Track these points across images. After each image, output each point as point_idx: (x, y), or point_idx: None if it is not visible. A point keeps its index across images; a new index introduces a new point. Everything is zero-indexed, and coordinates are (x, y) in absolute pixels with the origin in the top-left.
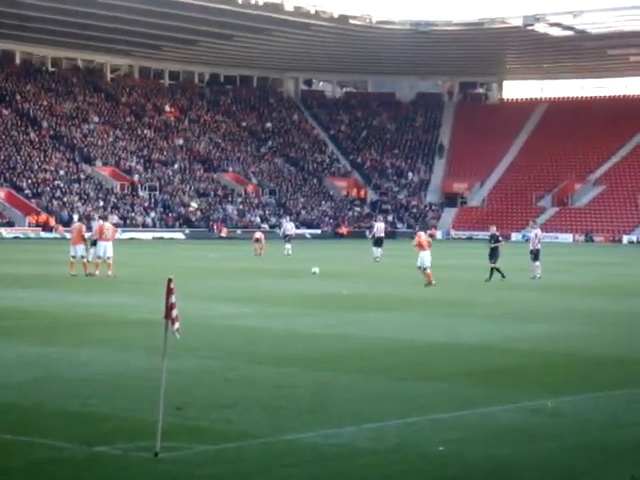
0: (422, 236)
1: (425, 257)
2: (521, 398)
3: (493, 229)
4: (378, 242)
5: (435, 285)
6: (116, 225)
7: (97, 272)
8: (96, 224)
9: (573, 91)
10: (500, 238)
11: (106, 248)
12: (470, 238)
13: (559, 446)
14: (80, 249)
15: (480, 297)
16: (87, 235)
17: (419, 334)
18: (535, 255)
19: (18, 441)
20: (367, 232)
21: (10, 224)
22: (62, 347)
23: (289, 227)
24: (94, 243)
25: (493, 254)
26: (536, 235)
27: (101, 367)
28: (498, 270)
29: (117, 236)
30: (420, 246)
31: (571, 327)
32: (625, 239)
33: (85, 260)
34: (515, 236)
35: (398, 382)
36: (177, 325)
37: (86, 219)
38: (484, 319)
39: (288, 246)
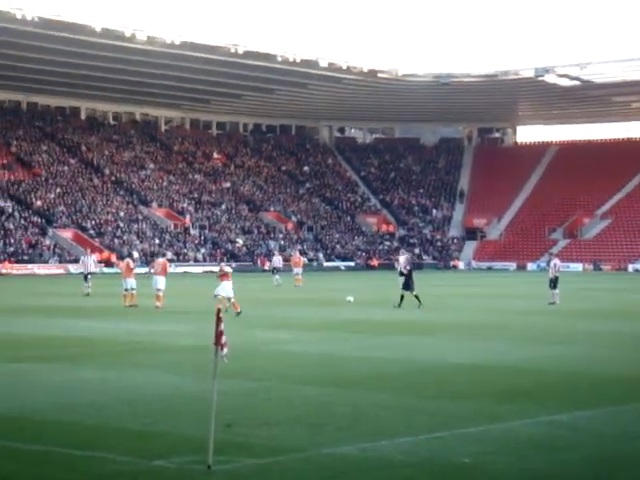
0: (225, 267)
1: (228, 287)
2: (541, 413)
3: (403, 258)
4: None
5: (241, 312)
6: (170, 260)
7: (158, 303)
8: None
9: (581, 134)
10: (409, 267)
11: (157, 281)
12: (489, 268)
13: (577, 457)
14: (130, 282)
15: (502, 322)
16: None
17: (446, 356)
18: (554, 283)
19: (83, 456)
20: (395, 264)
21: (76, 261)
22: (120, 371)
23: (277, 260)
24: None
25: (407, 282)
26: (555, 264)
27: (156, 389)
28: (417, 297)
29: (170, 270)
30: (224, 276)
31: (586, 348)
32: (630, 267)
33: (132, 292)
34: (530, 266)
35: (428, 400)
36: (226, 350)
37: (150, 255)
38: (506, 341)
39: (277, 277)
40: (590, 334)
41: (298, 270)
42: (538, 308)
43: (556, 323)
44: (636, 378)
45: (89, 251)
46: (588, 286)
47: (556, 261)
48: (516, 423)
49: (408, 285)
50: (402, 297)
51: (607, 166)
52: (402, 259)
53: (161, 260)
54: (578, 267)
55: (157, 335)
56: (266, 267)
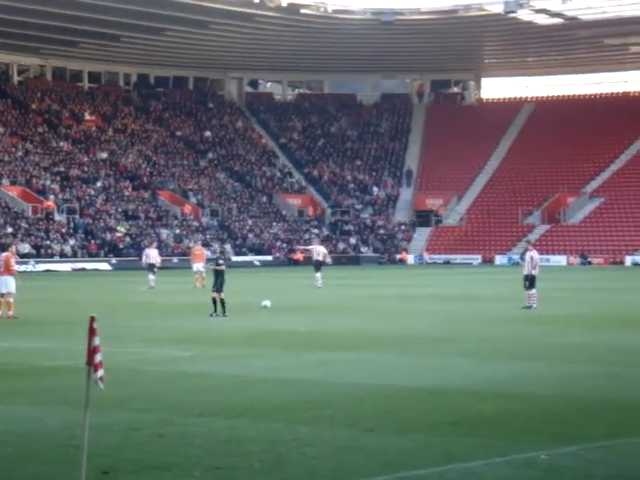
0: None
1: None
2: (510, 450)
3: (218, 249)
4: (317, 267)
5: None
6: (25, 256)
7: None
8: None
9: (564, 89)
10: (221, 261)
11: (4, 282)
12: (447, 262)
13: None
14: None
15: (462, 332)
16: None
17: (390, 377)
18: (531, 282)
19: None
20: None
21: None
22: None
23: (152, 255)
24: None
25: (217, 281)
26: (532, 258)
27: (9, 425)
28: (222, 303)
29: (16, 267)
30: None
31: (568, 366)
32: (628, 260)
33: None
34: (499, 259)
35: (365, 434)
36: (101, 372)
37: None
38: (467, 358)
39: (152, 277)
40: (573, 348)
41: (200, 266)
42: (509, 314)
43: (531, 333)
44: (629, 405)
45: None
46: (572, 285)
47: (533, 253)
48: (480, 463)
49: (216, 283)
50: (222, 301)
51: (598, 129)
52: (319, 249)
53: (4, 255)
54: (561, 260)
55: (11, 354)
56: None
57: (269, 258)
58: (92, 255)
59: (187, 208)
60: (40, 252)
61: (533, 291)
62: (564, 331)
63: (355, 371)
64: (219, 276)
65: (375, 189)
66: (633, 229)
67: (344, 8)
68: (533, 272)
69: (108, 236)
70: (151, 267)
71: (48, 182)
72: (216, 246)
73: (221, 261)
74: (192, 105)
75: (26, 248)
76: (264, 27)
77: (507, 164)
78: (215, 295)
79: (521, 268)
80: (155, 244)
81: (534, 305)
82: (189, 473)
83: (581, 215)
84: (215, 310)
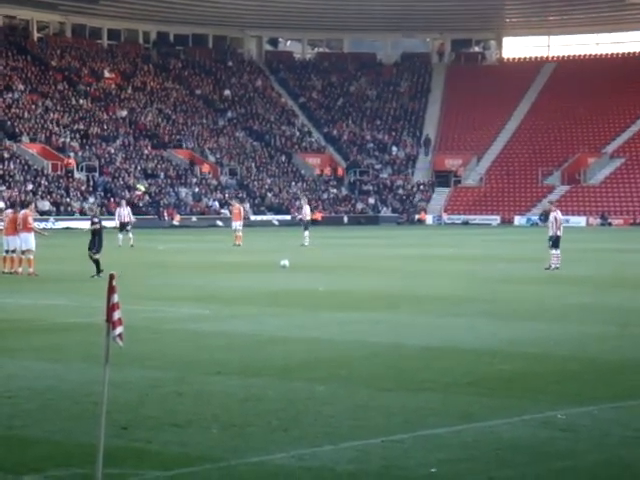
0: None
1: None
2: (528, 410)
3: (93, 208)
4: (305, 226)
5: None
6: (45, 213)
7: (20, 269)
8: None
9: (585, 48)
10: (96, 220)
11: (24, 240)
12: (466, 223)
13: (573, 465)
14: (14, 241)
15: (481, 292)
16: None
17: (408, 337)
18: (555, 242)
19: None
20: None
21: None
22: None
23: (124, 213)
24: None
25: (94, 241)
26: (555, 218)
27: (30, 381)
28: (97, 263)
29: (35, 225)
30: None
31: (587, 327)
32: None
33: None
34: (518, 220)
35: (383, 393)
36: (119, 330)
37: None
38: (486, 318)
39: (121, 236)
40: (592, 309)
41: (237, 224)
42: (527, 275)
43: (549, 294)
44: None
45: None
46: (592, 246)
47: (556, 214)
48: (497, 422)
49: (93, 244)
50: (96, 261)
51: (619, 89)
52: (307, 209)
53: (22, 212)
54: (581, 221)
55: (31, 311)
56: (175, 222)
57: (288, 217)
58: (112, 213)
59: (206, 167)
60: (60, 209)
61: (557, 251)
62: (582, 292)
63: (373, 330)
64: (95, 235)
65: (394, 149)
66: None
67: None
68: (558, 233)
69: (127, 194)
70: (123, 226)
71: (68, 140)
72: (92, 206)
73: (96, 219)
74: (211, 63)
75: (46, 205)
76: None
77: (527, 124)
78: (94, 256)
79: (540, 229)
80: (125, 202)
81: (554, 266)
82: (207, 430)
83: (601, 176)
84: (98, 272)
